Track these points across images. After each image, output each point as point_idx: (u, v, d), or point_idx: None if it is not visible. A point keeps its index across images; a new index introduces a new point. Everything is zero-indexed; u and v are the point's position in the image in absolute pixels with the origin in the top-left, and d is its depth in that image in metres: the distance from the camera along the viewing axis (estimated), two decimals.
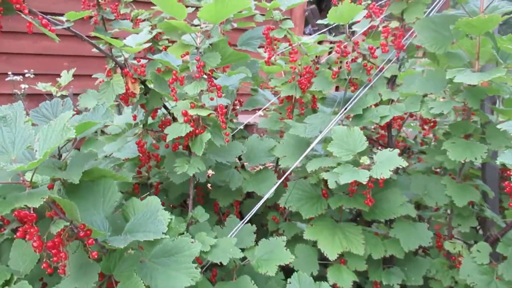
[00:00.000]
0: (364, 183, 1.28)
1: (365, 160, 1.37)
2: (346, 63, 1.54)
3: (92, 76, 2.32)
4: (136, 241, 0.93)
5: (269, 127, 1.76)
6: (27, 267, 1.04)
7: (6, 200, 0.75)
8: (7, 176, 0.83)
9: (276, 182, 1.61)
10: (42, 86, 1.84)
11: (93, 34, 2.16)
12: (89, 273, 0.94)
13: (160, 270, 0.99)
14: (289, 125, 1.77)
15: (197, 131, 1.26)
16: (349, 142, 1.38)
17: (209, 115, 1.23)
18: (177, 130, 1.24)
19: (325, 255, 1.46)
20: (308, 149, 1.46)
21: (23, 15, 0.96)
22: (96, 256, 0.90)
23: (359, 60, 1.57)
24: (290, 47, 1.65)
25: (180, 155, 1.48)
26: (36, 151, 0.81)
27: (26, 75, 3.87)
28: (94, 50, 1.35)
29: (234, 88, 1.47)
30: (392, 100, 1.57)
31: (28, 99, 3.55)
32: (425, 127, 1.74)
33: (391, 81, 1.60)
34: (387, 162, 1.31)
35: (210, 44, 1.28)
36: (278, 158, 1.69)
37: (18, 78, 3.66)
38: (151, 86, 1.38)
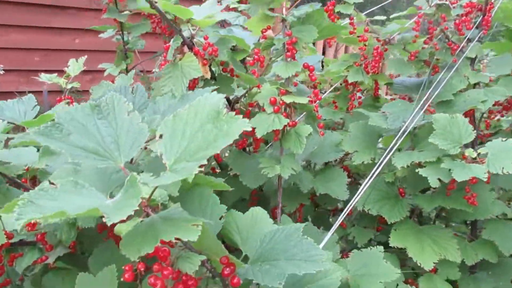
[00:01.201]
0: (485, 179, 1.08)
1: (470, 153, 1.17)
2: (430, 40, 1.33)
3: (99, 67, 2.00)
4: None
5: (328, 118, 1.53)
6: None
7: (146, 233, 0.48)
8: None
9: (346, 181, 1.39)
10: (46, 78, 1.51)
11: (105, 16, 1.85)
12: None
13: None
14: (349, 117, 1.56)
15: (290, 123, 1.00)
16: (453, 132, 1.18)
17: (310, 102, 0.98)
18: (267, 122, 0.98)
19: (418, 264, 1.25)
20: (399, 141, 1.24)
21: None
22: None
23: (440, 37, 1.37)
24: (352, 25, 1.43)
25: (242, 154, 1.23)
26: (160, 154, 0.54)
27: None
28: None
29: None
30: (478, 84, 1.38)
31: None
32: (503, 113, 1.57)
33: (473, 63, 1.42)
34: (504, 154, 1.12)
35: (301, 16, 1.03)
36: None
37: None
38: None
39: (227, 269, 0.58)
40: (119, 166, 0.56)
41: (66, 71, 1.72)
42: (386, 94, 1.60)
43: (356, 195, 1.24)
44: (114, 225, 0.93)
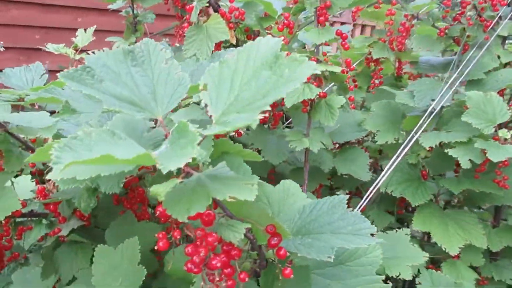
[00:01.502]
0: None
1: (504, 133, 1.11)
2: (460, 16, 1.26)
3: (106, 40, 1.92)
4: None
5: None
6: None
7: (195, 192, 0.41)
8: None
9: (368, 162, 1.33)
10: (53, 48, 1.43)
11: None
12: None
13: (333, 287, 0.68)
14: (370, 96, 1.50)
15: (321, 93, 0.94)
16: (487, 111, 1.12)
17: (343, 71, 0.91)
18: (297, 91, 0.91)
19: (443, 249, 1.20)
20: (428, 120, 1.18)
21: None
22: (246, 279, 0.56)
23: (471, 13, 1.30)
24: None
25: (264, 129, 1.16)
26: (204, 106, 0.47)
27: None
28: None
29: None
30: (509, 63, 1.32)
31: None
32: None
33: (504, 42, 1.35)
34: None
35: None
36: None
37: None
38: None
39: (274, 239, 0.52)
40: (158, 119, 0.49)
41: (74, 41, 1.64)
42: (397, 75, 1.52)
43: (380, 176, 1.18)
44: (132, 195, 0.86)
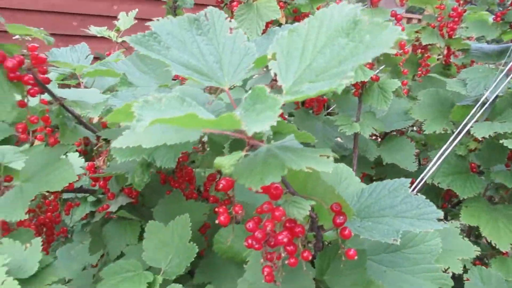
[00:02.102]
0: None
1: None
2: None
3: (147, 24, 1.93)
4: None
5: None
6: (174, 265, 0.69)
7: (267, 163, 0.40)
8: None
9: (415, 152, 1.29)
10: (96, 30, 1.44)
11: None
12: (298, 280, 0.60)
13: (389, 274, 0.66)
14: (416, 84, 1.44)
15: (374, 76, 0.90)
16: None
17: (397, 54, 0.88)
18: None
19: (493, 245, 1.14)
20: (482, 109, 1.12)
21: None
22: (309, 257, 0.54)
23: None
24: None
25: (309, 114, 1.14)
26: (274, 76, 0.45)
27: None
28: None
29: None
30: None
31: None
32: None
33: None
34: None
35: None
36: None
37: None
38: None
39: (340, 217, 0.50)
40: (225, 88, 0.47)
41: (116, 24, 1.66)
42: (446, 63, 1.45)
43: (429, 166, 1.13)
44: (180, 174, 0.86)
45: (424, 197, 0.59)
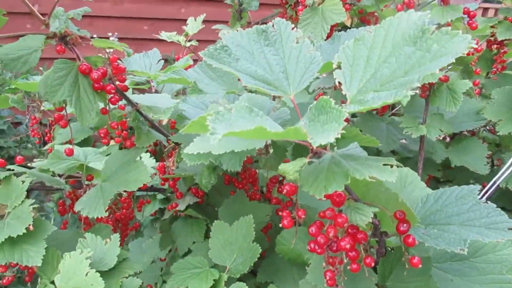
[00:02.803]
0: None
1: None
2: None
3: (213, 28, 1.99)
4: None
5: None
6: (238, 264, 0.72)
7: (331, 171, 0.41)
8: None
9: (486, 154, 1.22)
10: (166, 36, 1.50)
11: None
12: (361, 285, 0.60)
13: (455, 283, 0.64)
14: (490, 82, 1.36)
15: (442, 77, 0.87)
16: None
17: (469, 53, 0.84)
18: None
19: None
20: None
21: None
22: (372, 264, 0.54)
23: None
24: None
25: (373, 116, 1.12)
26: (338, 85, 0.46)
27: (110, 39, 3.62)
28: None
29: None
30: None
31: None
32: None
33: None
34: None
35: None
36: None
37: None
38: None
39: (403, 225, 0.50)
40: (289, 98, 0.49)
41: (185, 29, 1.73)
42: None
43: (503, 169, 1.07)
44: (244, 176, 0.89)
45: (494, 205, 0.57)
